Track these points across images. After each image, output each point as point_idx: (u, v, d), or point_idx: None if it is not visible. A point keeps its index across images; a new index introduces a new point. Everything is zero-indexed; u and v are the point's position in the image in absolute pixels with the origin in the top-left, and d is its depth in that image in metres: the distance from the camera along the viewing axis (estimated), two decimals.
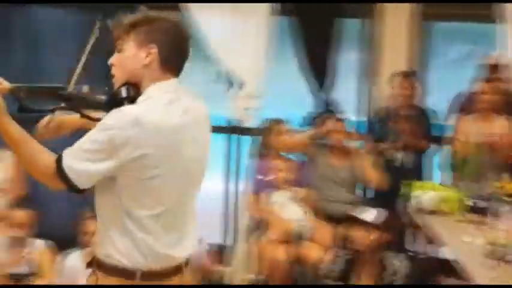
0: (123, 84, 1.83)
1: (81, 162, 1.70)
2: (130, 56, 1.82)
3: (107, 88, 1.87)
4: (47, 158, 1.74)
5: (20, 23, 4.58)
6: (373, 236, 3.86)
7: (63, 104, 1.86)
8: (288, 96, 5.19)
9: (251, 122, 4.47)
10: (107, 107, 1.78)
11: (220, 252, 4.40)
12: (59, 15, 4.61)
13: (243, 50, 4.35)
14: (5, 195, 3.68)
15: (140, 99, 1.79)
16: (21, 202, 3.64)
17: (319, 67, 4.72)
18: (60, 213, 4.22)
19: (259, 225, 3.99)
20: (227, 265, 4.27)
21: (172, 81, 1.84)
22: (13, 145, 1.75)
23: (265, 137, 4.22)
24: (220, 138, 4.68)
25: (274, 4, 4.41)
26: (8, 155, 3.52)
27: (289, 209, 3.95)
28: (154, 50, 1.81)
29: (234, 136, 4.69)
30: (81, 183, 1.72)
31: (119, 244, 1.78)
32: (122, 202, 1.76)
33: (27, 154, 1.75)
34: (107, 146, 1.69)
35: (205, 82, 4.76)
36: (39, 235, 3.53)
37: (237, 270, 4.16)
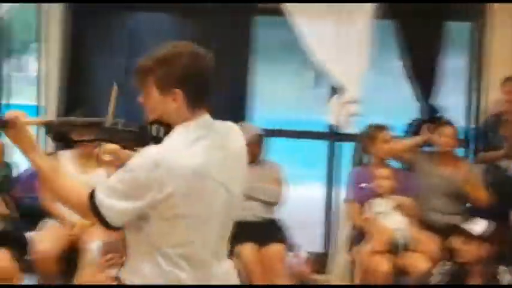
0: (154, 122, 1.83)
1: (111, 199, 1.72)
2: (156, 102, 1.79)
3: (138, 124, 1.90)
4: (80, 193, 1.78)
5: (120, 28, 4.73)
6: (482, 248, 3.66)
7: (100, 136, 1.91)
8: (389, 102, 5.04)
9: (352, 129, 4.38)
10: (137, 143, 1.85)
11: (320, 261, 4.36)
12: (159, 19, 4.72)
13: (344, 54, 4.30)
14: None
15: (166, 138, 1.78)
16: None
17: (424, 73, 4.56)
18: None
19: (361, 235, 3.91)
20: (327, 274, 4.23)
21: (201, 119, 1.81)
22: (46, 180, 1.81)
23: (367, 143, 4.14)
24: (321, 145, 4.64)
25: (377, 6, 4.33)
26: None
27: (392, 219, 3.85)
28: (180, 94, 1.76)
29: (335, 143, 4.63)
30: (112, 220, 1.74)
31: (149, 275, 1.78)
32: (150, 238, 1.77)
33: (60, 189, 1.80)
34: (133, 187, 1.71)
35: (304, 87, 4.77)
36: None
37: (335, 280, 4.11)
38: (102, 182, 1.78)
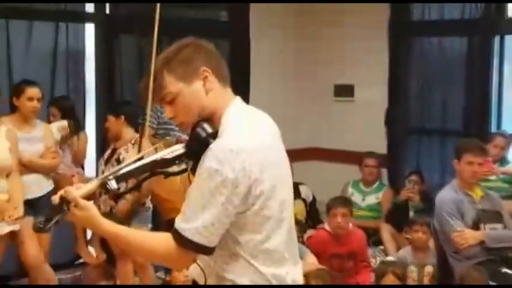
0: (195, 126, 1.70)
1: (202, 220, 1.60)
2: (189, 95, 1.69)
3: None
4: (161, 240, 1.67)
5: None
6: None
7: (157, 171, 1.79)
8: None
9: None
10: (193, 156, 1.70)
11: None
12: None
13: None
14: None
15: (223, 129, 1.67)
16: None
17: None
18: None
19: None
20: None
21: (238, 101, 1.75)
22: (125, 246, 1.74)
23: None
24: None
25: None
26: None
27: None
28: (208, 72, 1.70)
29: None
30: (211, 240, 1.63)
31: (233, 268, 1.70)
32: (229, 229, 1.66)
33: (139, 246, 1.71)
34: (223, 189, 1.59)
35: None
36: None
37: None
38: (181, 213, 1.66)
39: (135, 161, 1.76)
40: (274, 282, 1.71)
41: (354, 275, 4.18)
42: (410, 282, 3.90)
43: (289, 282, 1.75)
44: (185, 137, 4.05)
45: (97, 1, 4.89)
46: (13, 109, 3.90)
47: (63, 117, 4.38)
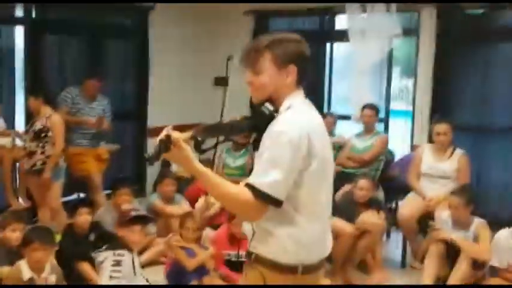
0: (259, 105, 1.91)
1: (273, 176, 1.76)
2: (271, 77, 1.90)
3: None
4: (240, 191, 1.80)
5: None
6: None
7: (224, 137, 1.99)
8: None
9: None
10: (257, 129, 1.91)
11: None
12: None
13: None
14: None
15: (285, 108, 1.90)
16: None
17: None
18: None
19: None
20: None
21: (301, 92, 1.98)
22: (209, 189, 1.86)
23: None
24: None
25: None
26: None
27: None
28: (294, 70, 1.91)
29: None
30: (281, 193, 1.78)
31: (285, 242, 1.85)
32: (289, 199, 1.82)
33: (224, 193, 1.82)
34: (289, 147, 1.77)
35: None
36: None
37: None
38: (254, 172, 1.82)
39: (217, 125, 1.96)
40: (305, 238, 1.85)
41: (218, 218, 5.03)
42: None
43: (321, 239, 1.92)
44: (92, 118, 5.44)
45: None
46: None
47: None
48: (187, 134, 1.80)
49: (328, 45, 6.63)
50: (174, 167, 6.29)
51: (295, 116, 1.86)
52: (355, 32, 5.94)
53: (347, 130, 6.27)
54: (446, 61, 5.73)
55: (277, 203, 1.78)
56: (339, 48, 6.62)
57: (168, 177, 5.33)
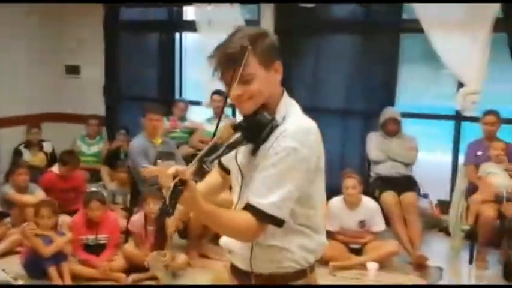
0: (255, 113, 1.72)
1: (278, 195, 1.64)
2: (263, 81, 1.70)
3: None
4: (241, 216, 1.67)
5: None
6: None
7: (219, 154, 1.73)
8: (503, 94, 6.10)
9: (473, 112, 5.27)
10: (253, 139, 1.72)
11: (445, 206, 5.53)
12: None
13: (469, 59, 5.11)
14: None
15: (286, 115, 1.74)
16: None
17: None
18: None
19: (475, 188, 4.89)
20: (449, 215, 5.33)
21: (284, 91, 1.81)
22: (210, 222, 1.68)
23: (482, 124, 5.10)
24: (450, 125, 5.81)
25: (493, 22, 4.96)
26: None
27: (499, 178, 4.79)
28: (280, 65, 1.75)
29: (460, 123, 5.70)
30: (285, 213, 1.68)
31: (296, 254, 1.79)
32: (291, 215, 1.73)
33: (224, 224, 1.68)
34: (300, 165, 1.66)
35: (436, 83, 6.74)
36: None
37: (455, 221, 5.19)
38: (251, 191, 1.69)
39: (215, 145, 1.69)
40: (313, 244, 1.81)
41: (74, 204, 5.24)
42: None
43: (322, 249, 1.85)
44: None
45: None
46: None
47: None
48: (192, 169, 1.61)
49: (177, 34, 6.98)
50: (26, 156, 6.28)
51: (303, 125, 1.73)
52: (202, 22, 6.14)
53: (198, 115, 6.55)
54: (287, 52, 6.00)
55: (280, 223, 1.69)
56: (191, 38, 6.87)
57: (21, 167, 5.29)
